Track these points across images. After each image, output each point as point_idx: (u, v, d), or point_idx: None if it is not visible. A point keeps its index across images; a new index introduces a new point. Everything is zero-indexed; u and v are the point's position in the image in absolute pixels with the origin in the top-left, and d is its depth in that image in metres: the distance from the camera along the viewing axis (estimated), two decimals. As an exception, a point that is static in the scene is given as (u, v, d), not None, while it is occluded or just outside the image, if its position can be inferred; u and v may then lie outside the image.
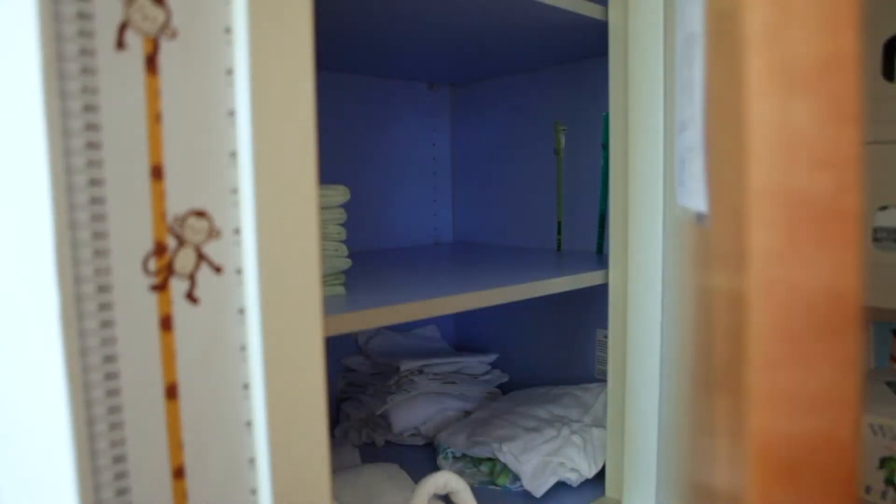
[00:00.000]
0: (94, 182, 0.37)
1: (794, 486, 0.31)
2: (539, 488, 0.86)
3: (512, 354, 1.24)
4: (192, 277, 0.41)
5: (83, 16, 0.36)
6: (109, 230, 0.38)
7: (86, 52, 0.36)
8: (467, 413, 1.12)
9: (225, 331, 0.43)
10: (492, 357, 1.21)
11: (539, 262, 0.97)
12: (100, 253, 0.37)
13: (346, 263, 0.69)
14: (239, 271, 0.43)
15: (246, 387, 0.44)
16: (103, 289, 0.37)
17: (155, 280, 0.40)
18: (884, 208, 0.87)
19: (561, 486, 0.90)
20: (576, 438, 0.94)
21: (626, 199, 0.80)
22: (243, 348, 0.44)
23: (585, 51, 1.00)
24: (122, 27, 0.37)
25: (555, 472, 0.87)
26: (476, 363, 1.19)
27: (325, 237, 0.68)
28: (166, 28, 0.39)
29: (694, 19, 0.45)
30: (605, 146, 1.02)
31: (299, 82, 0.44)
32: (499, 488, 0.91)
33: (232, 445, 0.44)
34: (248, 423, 0.45)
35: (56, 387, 0.36)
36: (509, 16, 0.81)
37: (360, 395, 1.12)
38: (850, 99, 0.29)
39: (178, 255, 0.41)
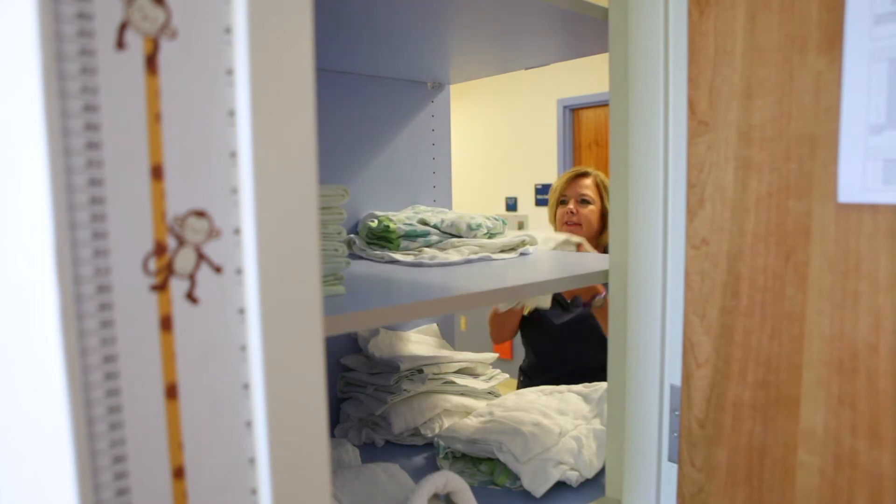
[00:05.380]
0: (94, 182, 0.37)
1: None
2: (539, 488, 0.86)
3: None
4: (192, 277, 0.41)
5: (83, 16, 0.36)
6: (109, 230, 0.38)
7: (86, 52, 0.36)
8: (467, 413, 1.11)
9: (225, 331, 0.43)
10: (492, 356, 1.21)
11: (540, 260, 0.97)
12: (100, 253, 0.37)
13: (346, 263, 0.69)
14: (239, 271, 0.43)
15: (246, 387, 0.44)
16: (103, 289, 0.37)
17: (155, 280, 0.40)
18: None
19: (561, 486, 0.90)
20: (576, 438, 0.94)
21: (627, 196, 0.80)
22: (243, 348, 0.44)
23: (586, 48, 1.00)
24: (122, 27, 0.37)
25: (555, 472, 0.87)
26: (476, 363, 1.19)
27: (325, 237, 0.68)
28: (166, 28, 0.39)
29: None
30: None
31: (299, 82, 0.44)
32: (499, 488, 0.91)
33: (232, 445, 0.44)
34: (248, 423, 0.45)
35: (56, 387, 0.36)
36: (510, 14, 0.81)
37: (360, 395, 1.12)
38: None
39: (178, 255, 0.40)
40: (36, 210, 0.36)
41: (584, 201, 1.57)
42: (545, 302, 1.24)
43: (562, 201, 1.62)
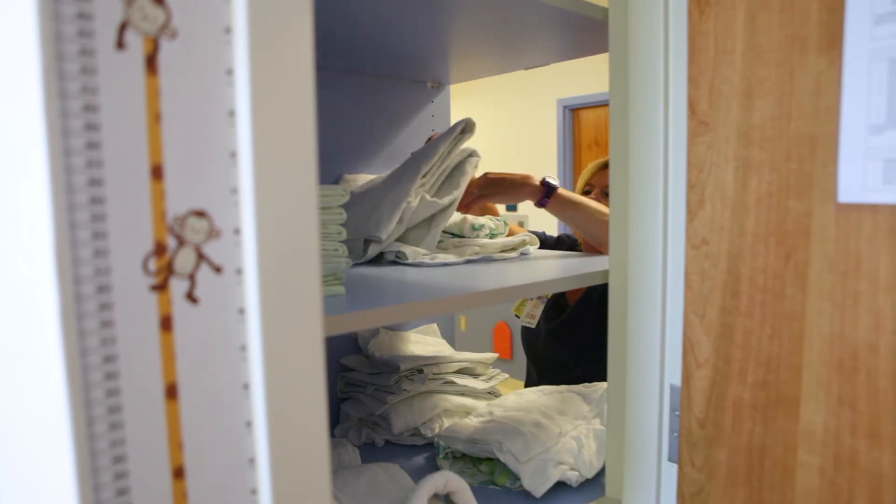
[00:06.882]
0: (94, 182, 0.37)
1: None
2: (539, 488, 0.86)
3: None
4: (192, 277, 0.41)
5: (83, 16, 0.36)
6: (109, 230, 0.38)
7: (86, 52, 0.36)
8: (467, 413, 1.11)
9: (225, 331, 0.43)
10: (492, 356, 1.21)
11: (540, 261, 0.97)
12: (100, 253, 0.37)
13: (347, 263, 0.69)
14: (239, 271, 0.43)
15: (246, 387, 0.44)
16: (103, 289, 0.37)
17: (155, 280, 0.40)
18: None
19: (561, 486, 0.90)
20: (576, 438, 0.94)
21: (627, 198, 0.80)
22: (243, 348, 0.44)
23: (586, 48, 1.00)
24: (122, 27, 0.37)
25: (555, 472, 0.87)
26: (476, 363, 1.19)
27: (324, 237, 0.68)
28: (166, 28, 0.39)
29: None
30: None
31: (299, 82, 0.44)
32: (499, 488, 0.91)
33: (232, 445, 0.44)
34: (248, 423, 0.45)
35: (56, 387, 0.36)
36: (510, 14, 0.81)
37: (360, 395, 1.12)
38: None
39: (178, 255, 0.40)
40: (36, 210, 0.36)
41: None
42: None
43: (586, 191, 1.46)
